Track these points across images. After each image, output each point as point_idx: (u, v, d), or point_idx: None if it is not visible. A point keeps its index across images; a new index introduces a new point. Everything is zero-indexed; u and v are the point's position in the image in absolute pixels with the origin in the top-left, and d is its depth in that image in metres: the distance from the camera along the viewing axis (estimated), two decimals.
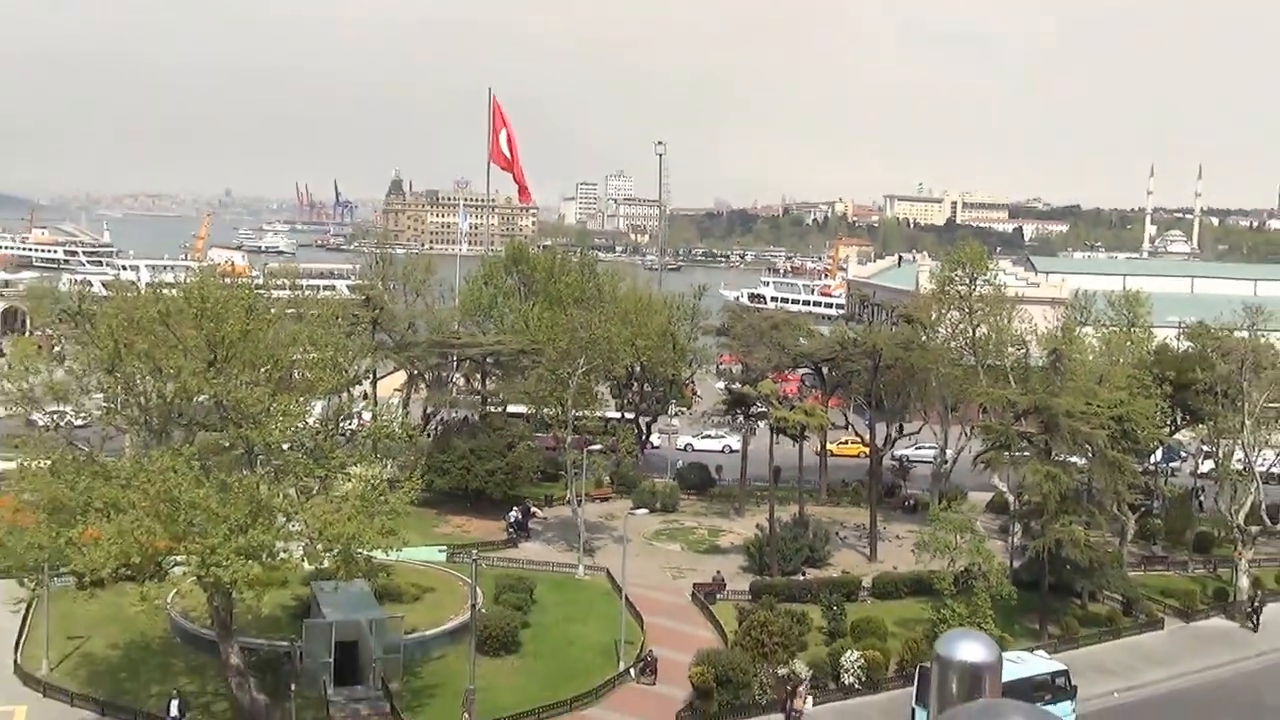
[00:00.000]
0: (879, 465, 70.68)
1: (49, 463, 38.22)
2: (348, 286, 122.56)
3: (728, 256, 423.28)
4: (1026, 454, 55.94)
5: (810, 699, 44.31)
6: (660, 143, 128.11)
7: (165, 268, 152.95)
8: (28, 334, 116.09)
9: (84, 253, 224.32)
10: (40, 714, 41.31)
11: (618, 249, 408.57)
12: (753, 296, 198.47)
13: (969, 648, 4.15)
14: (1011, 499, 60.61)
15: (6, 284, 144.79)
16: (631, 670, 46.74)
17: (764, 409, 64.69)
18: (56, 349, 66.79)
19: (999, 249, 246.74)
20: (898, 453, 78.64)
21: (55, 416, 41.98)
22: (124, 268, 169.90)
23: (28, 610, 46.80)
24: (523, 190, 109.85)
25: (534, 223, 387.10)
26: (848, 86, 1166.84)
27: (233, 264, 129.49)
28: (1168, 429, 65.61)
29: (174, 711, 39.61)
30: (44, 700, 42.27)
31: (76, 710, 41.62)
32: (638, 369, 78.04)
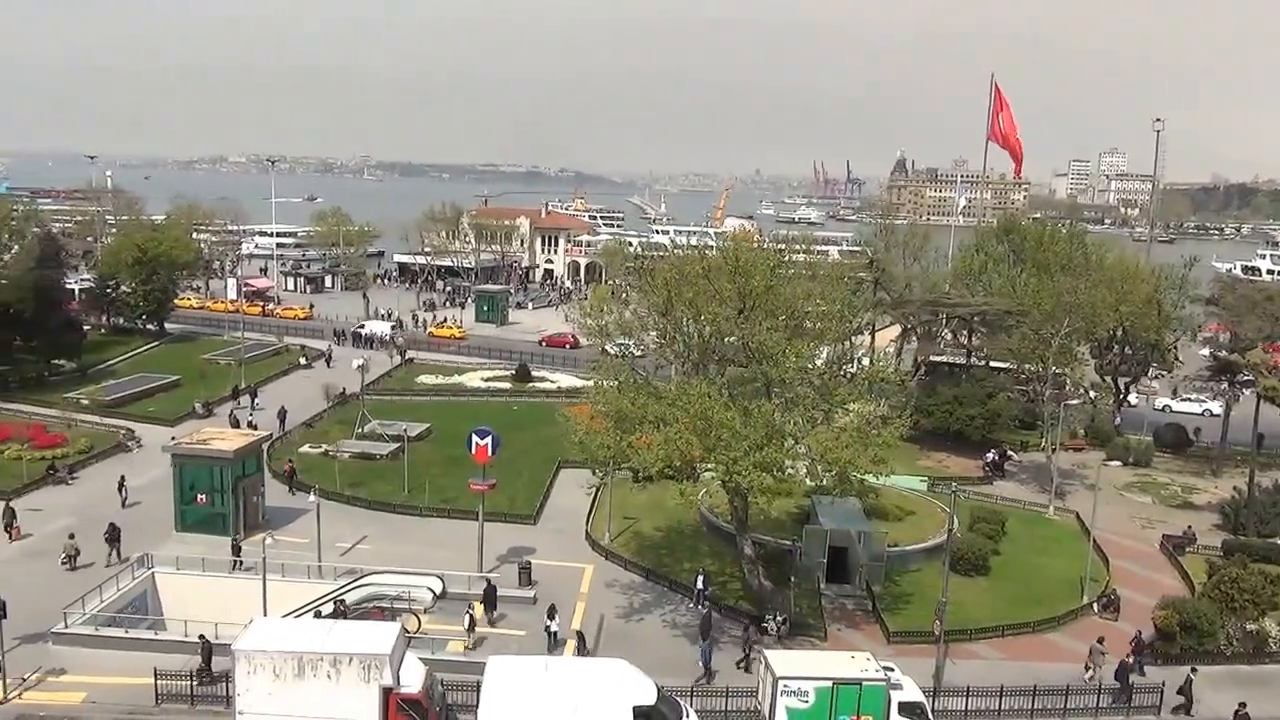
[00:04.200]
0: None
1: (616, 383, 41.84)
2: (838, 251, 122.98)
3: (1221, 230, 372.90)
4: None
5: None
6: (1159, 120, 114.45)
7: (689, 232, 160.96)
8: (604, 282, 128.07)
9: (600, 217, 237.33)
10: (602, 573, 45.78)
11: (1106, 222, 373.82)
12: (1246, 269, 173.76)
13: None
14: None
15: (589, 244, 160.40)
16: (1094, 605, 43.49)
17: (1251, 377, 56.91)
18: (624, 295, 72.96)
19: None
20: None
21: (621, 347, 46.31)
22: (658, 232, 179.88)
23: (596, 494, 52.50)
24: (1018, 165, 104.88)
25: (1025, 197, 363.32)
26: None
27: (745, 229, 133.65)
28: None
29: (699, 584, 42.51)
30: (605, 563, 46.88)
31: (628, 574, 45.77)
32: (1119, 332, 71.45)
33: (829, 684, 32.07)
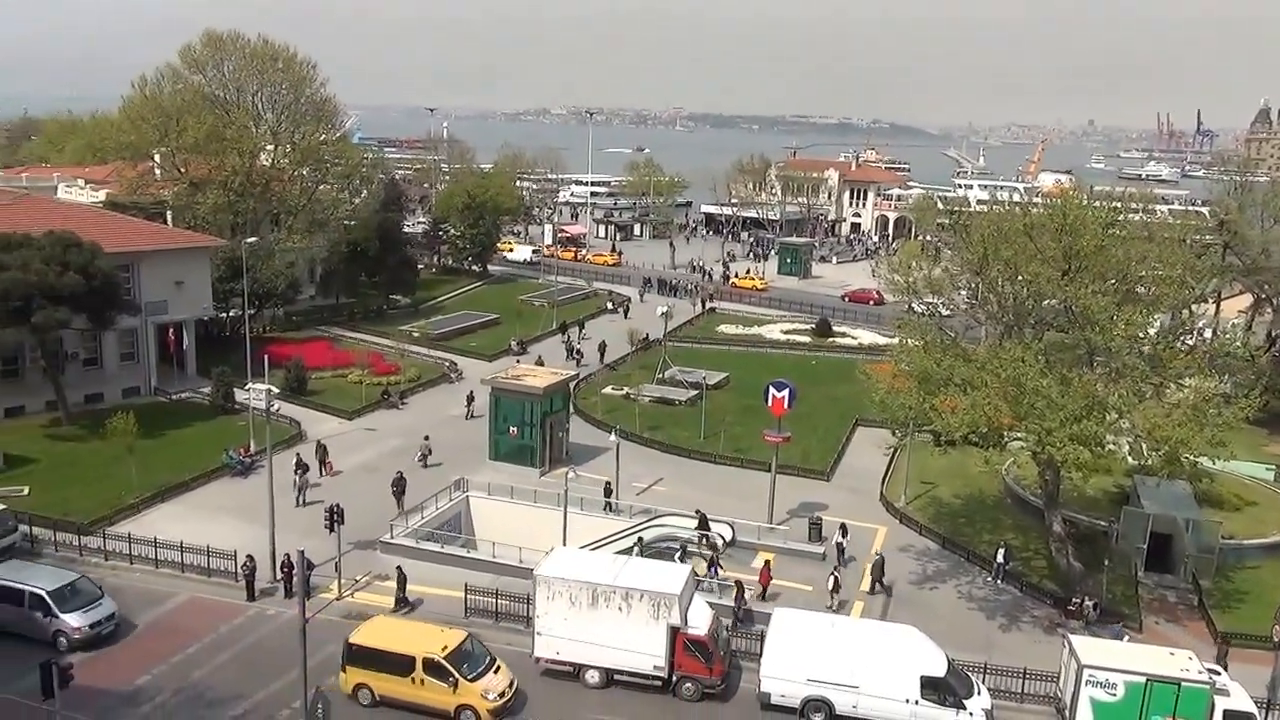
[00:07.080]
0: None
1: (922, 342, 40.31)
2: (1169, 210, 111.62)
3: None
4: None
5: None
6: None
7: (996, 187, 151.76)
8: (914, 238, 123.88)
9: (887, 169, 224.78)
10: (895, 536, 44.73)
11: None
12: None
13: None
14: None
15: (899, 198, 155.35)
16: None
17: None
18: (934, 251, 70.19)
19: None
20: None
21: (929, 305, 44.57)
22: (960, 186, 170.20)
23: (893, 455, 51.18)
24: None
25: None
26: None
27: (1060, 184, 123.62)
28: None
29: (1000, 558, 40.53)
30: (899, 526, 45.78)
31: (922, 540, 44.47)
32: None
33: (1142, 680, 29.63)
